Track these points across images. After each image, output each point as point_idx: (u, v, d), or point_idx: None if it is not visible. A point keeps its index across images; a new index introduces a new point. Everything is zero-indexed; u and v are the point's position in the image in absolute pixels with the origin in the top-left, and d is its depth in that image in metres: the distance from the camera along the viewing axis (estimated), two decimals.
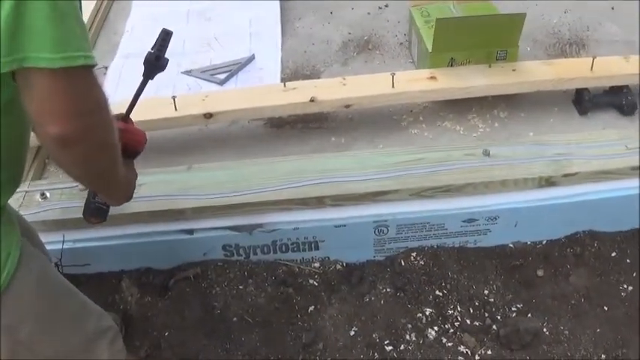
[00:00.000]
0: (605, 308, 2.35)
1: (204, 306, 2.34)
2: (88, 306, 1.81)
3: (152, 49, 1.74)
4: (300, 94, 2.53)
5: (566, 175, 2.33)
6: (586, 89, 2.70)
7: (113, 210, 1.84)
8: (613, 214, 2.47)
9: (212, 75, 2.89)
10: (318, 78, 2.84)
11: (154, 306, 2.33)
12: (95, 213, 1.87)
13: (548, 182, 2.33)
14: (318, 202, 2.26)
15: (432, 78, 2.61)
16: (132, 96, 1.81)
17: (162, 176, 2.37)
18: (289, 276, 2.41)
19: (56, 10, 1.20)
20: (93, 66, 1.30)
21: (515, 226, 2.41)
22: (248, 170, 2.31)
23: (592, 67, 2.64)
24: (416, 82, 2.60)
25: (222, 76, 2.86)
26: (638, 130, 2.51)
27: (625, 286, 2.41)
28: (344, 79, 2.61)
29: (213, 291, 2.38)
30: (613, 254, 2.48)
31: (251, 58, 2.95)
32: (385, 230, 2.35)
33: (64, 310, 1.71)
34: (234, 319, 2.30)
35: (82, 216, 1.86)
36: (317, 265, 2.44)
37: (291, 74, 2.93)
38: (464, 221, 2.36)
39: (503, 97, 2.71)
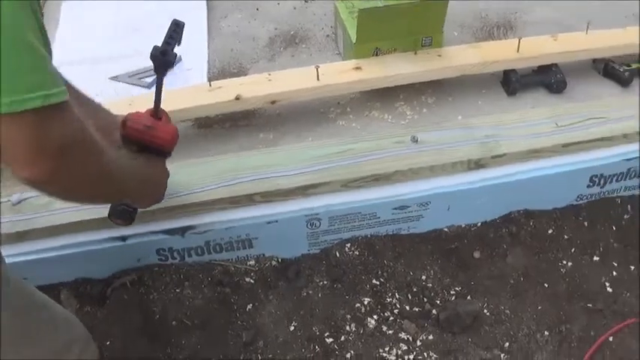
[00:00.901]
0: (546, 285, 2.43)
1: (143, 312, 2.35)
2: (57, 317, 1.81)
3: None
4: (225, 93, 2.55)
5: (494, 157, 2.39)
6: (513, 70, 2.76)
7: (47, 221, 1.87)
8: (547, 192, 2.53)
9: (139, 79, 2.90)
10: (245, 75, 2.84)
11: (93, 316, 2.33)
12: (120, 215, 1.93)
13: (478, 165, 2.39)
14: (249, 199, 2.29)
15: (358, 68, 2.64)
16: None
17: None
18: (225, 276, 2.42)
19: None
20: (57, 103, 1.21)
21: (448, 210, 2.45)
22: (177, 173, 2.30)
23: (518, 49, 2.69)
24: (341, 74, 2.63)
25: (150, 80, 2.87)
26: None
27: (564, 262, 2.49)
28: (269, 74, 2.64)
29: (151, 296, 2.39)
30: (550, 231, 2.55)
31: (177, 60, 2.94)
32: (317, 223, 2.38)
33: (32, 322, 1.68)
34: (174, 322, 2.32)
35: (24, 229, 1.92)
36: (252, 262, 2.45)
37: (218, 73, 2.94)
38: (395, 209, 2.40)
39: (430, 83, 2.75)
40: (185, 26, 1.80)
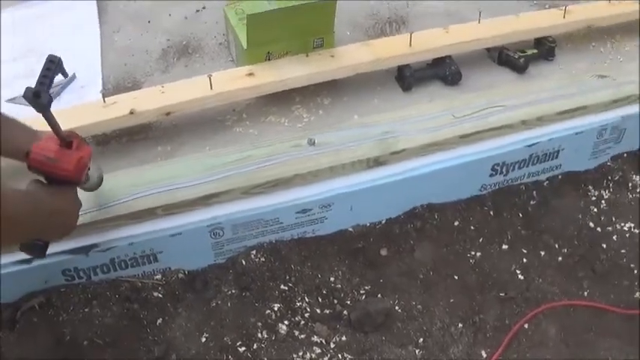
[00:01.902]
0: (456, 277, 2.51)
1: (54, 334, 2.34)
2: None
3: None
4: (119, 108, 2.56)
5: (393, 153, 2.45)
6: (407, 65, 2.83)
7: None
8: (450, 184, 2.61)
9: None
10: (140, 89, 2.88)
11: (5, 340, 2.32)
12: (30, 249, 1.92)
13: (377, 162, 2.45)
14: (150, 213, 2.31)
15: (250, 74, 2.69)
16: None
17: None
18: (133, 292, 2.42)
19: None
20: None
21: (351, 209, 2.50)
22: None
23: (410, 43, 2.77)
24: (234, 81, 2.67)
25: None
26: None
27: (473, 252, 2.57)
28: (162, 87, 2.66)
29: (60, 318, 2.38)
30: (456, 223, 2.63)
31: (72, 78, 2.97)
32: (221, 232, 2.40)
33: None
34: (85, 342, 2.31)
35: None
36: (159, 277, 2.46)
37: (112, 89, 2.95)
38: (298, 212, 2.44)
39: (325, 84, 2.81)
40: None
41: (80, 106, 2.66)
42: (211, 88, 2.61)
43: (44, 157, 1.84)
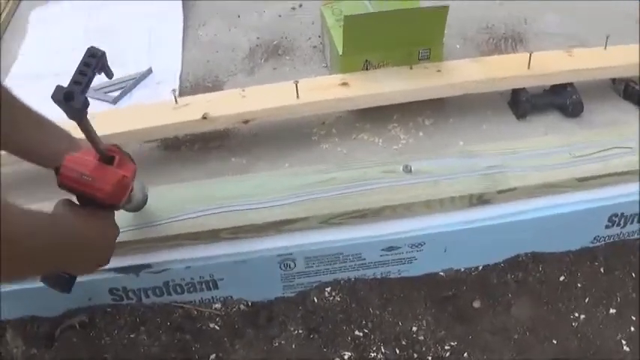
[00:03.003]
0: (554, 342, 2.02)
1: (94, 358, 1.99)
2: None
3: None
4: (192, 111, 2.18)
5: (501, 192, 2.00)
6: (523, 89, 2.36)
7: None
8: (559, 233, 2.13)
9: (105, 93, 2.52)
10: (221, 90, 2.49)
11: (40, 358, 1.99)
12: (54, 283, 1.55)
13: (481, 200, 2.00)
14: (213, 235, 1.92)
15: (344, 84, 2.26)
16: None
17: None
18: (186, 320, 2.05)
19: None
20: None
21: (445, 251, 2.06)
22: None
23: (529, 65, 2.30)
24: (324, 91, 2.25)
25: (116, 94, 2.50)
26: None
27: (576, 314, 2.08)
28: (243, 90, 2.26)
29: (102, 341, 2.02)
30: (561, 278, 2.15)
31: (147, 73, 2.61)
32: (292, 264, 2.00)
33: None
34: None
35: None
36: (218, 305, 2.08)
37: (191, 87, 2.59)
38: (384, 250, 2.01)
39: (428, 102, 2.35)
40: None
41: (150, 105, 2.29)
42: (298, 96, 2.19)
43: (77, 174, 1.44)
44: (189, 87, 2.60)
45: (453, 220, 2.01)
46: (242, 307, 2.09)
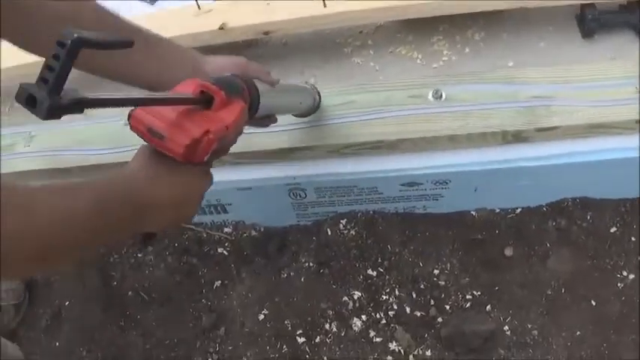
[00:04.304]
0: (593, 303, 1.72)
1: (103, 276, 1.94)
2: None
3: None
4: (212, 19, 1.88)
5: (540, 130, 1.62)
6: (592, 4, 1.88)
7: None
8: (614, 178, 1.76)
9: None
10: None
11: (52, 272, 1.99)
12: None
13: (517, 138, 1.64)
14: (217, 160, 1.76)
15: None
16: None
17: None
18: (195, 243, 1.91)
19: None
20: None
21: (476, 191, 1.76)
22: None
23: None
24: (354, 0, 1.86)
25: None
26: None
27: (625, 273, 1.75)
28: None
29: (111, 259, 1.95)
30: (612, 230, 1.80)
31: None
32: (302, 194, 1.77)
33: None
34: (130, 293, 1.87)
35: None
36: (229, 230, 1.91)
37: None
38: (403, 185, 1.73)
39: (482, 13, 1.91)
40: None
41: (171, 10, 2.01)
42: (325, 5, 1.82)
43: (145, 127, 1.04)
44: None
45: (483, 158, 1.68)
46: (253, 232, 1.91)
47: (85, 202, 0.94)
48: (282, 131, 1.69)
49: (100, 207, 0.96)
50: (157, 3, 2.18)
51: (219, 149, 1.12)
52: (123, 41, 0.90)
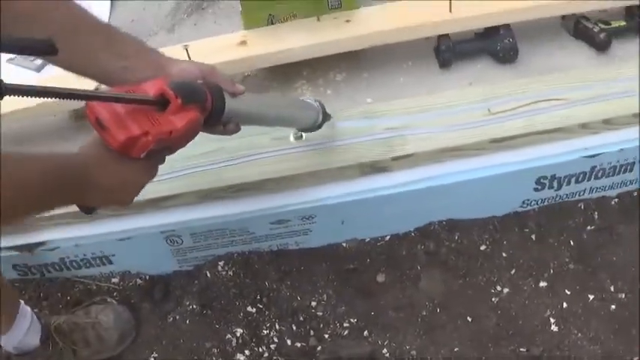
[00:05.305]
0: (469, 319, 1.75)
1: None
2: None
3: None
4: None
5: (396, 159, 1.70)
6: (446, 36, 1.97)
7: None
8: (478, 198, 1.82)
9: (31, 61, 2.27)
10: None
11: None
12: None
13: (375, 169, 1.71)
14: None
15: (242, 43, 1.94)
16: None
17: None
18: (85, 295, 1.91)
19: None
20: None
21: (343, 223, 1.80)
22: None
23: (450, 8, 1.90)
24: (220, 52, 1.93)
25: (39, 61, 2.27)
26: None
27: (498, 288, 1.79)
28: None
29: None
30: (482, 247, 1.85)
31: None
32: (179, 240, 1.79)
33: None
34: None
35: None
36: (116, 280, 1.92)
37: None
38: (272, 223, 1.77)
39: (344, 55, 1.98)
40: None
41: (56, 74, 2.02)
42: (189, 57, 1.87)
43: (94, 118, 1.10)
44: None
45: (345, 190, 1.74)
46: (139, 281, 1.92)
47: (36, 175, 1.07)
48: (154, 181, 1.71)
49: (47, 179, 1.09)
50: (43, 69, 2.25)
51: (161, 150, 1.19)
52: (41, 48, 0.98)
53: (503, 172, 1.74)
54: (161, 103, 1.13)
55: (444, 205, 1.82)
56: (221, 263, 1.87)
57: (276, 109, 1.55)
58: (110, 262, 1.88)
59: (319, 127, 1.66)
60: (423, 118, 1.76)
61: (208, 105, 1.22)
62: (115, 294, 1.91)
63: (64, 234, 1.80)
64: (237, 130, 1.41)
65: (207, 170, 1.74)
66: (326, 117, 1.66)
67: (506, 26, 1.96)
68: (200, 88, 1.21)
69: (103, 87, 1.33)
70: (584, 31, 2.01)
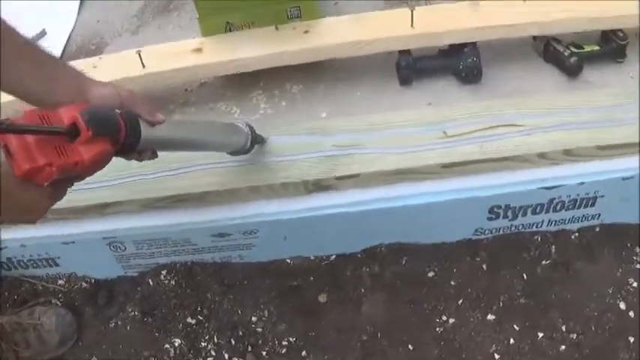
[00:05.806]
0: (411, 347, 1.70)
1: None
2: None
3: None
4: None
5: (340, 178, 1.64)
6: (407, 52, 1.88)
7: None
8: (428, 224, 1.75)
9: None
10: (101, 53, 2.18)
11: None
12: None
13: (318, 187, 1.65)
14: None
15: (197, 50, 1.88)
16: None
17: None
18: (31, 295, 1.91)
19: None
20: None
21: (285, 239, 1.76)
22: None
23: (412, 22, 1.82)
24: (174, 58, 1.88)
25: None
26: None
27: (444, 317, 1.73)
28: (100, 58, 1.96)
29: None
30: (430, 274, 1.79)
31: (41, 34, 2.32)
32: (122, 247, 1.76)
33: None
34: None
35: None
36: (62, 282, 1.91)
37: (75, 51, 2.27)
38: (214, 235, 1.73)
39: (302, 66, 1.90)
40: None
41: None
42: (144, 66, 1.85)
43: (3, 145, 1.08)
44: (75, 49, 2.29)
45: (288, 207, 1.69)
46: (84, 284, 1.90)
47: None
48: (98, 187, 1.69)
49: None
50: None
51: (65, 179, 1.14)
52: None
53: (455, 199, 1.66)
54: (72, 133, 1.09)
55: (392, 228, 1.76)
56: (164, 272, 1.84)
57: (199, 135, 1.49)
58: (56, 264, 1.86)
59: (248, 151, 1.60)
60: (375, 137, 1.69)
61: (122, 137, 1.17)
62: (60, 296, 1.90)
63: (10, 234, 1.78)
64: (153, 157, 1.37)
65: (150, 179, 1.69)
66: (256, 140, 1.61)
67: (472, 45, 1.87)
68: (114, 120, 1.16)
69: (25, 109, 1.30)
70: (555, 54, 1.91)
